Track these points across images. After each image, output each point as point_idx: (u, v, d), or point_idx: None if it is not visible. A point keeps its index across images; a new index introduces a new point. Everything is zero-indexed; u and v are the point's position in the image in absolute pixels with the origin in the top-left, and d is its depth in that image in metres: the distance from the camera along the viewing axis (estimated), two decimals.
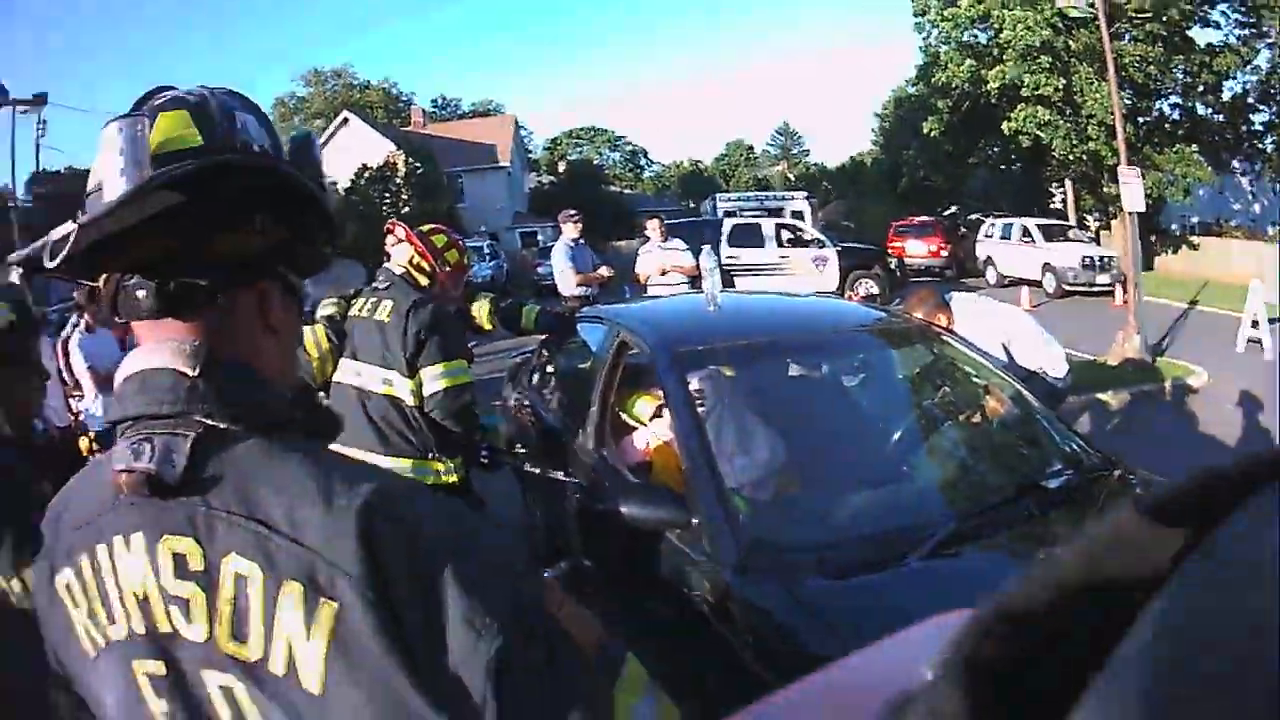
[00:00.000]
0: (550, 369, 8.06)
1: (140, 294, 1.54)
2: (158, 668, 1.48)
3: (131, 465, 1.46)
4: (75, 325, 10.13)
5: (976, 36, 45.60)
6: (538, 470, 6.49)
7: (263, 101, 1.69)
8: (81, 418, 9.97)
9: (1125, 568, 0.44)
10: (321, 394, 6.05)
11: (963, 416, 6.14)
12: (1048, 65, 40.76)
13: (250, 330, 1.64)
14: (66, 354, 9.77)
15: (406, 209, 49.57)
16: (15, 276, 4.33)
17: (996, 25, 42.15)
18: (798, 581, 4.03)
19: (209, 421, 1.49)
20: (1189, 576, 0.39)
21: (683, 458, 4.94)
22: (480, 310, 7.49)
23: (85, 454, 9.63)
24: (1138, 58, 39.68)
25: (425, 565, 1.39)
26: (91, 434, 10.08)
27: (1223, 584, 0.37)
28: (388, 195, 52.80)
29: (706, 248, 7.17)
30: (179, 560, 1.44)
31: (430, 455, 5.92)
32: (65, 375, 9.65)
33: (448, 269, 6.27)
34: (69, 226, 1.46)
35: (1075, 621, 0.44)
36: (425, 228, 6.48)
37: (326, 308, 6.22)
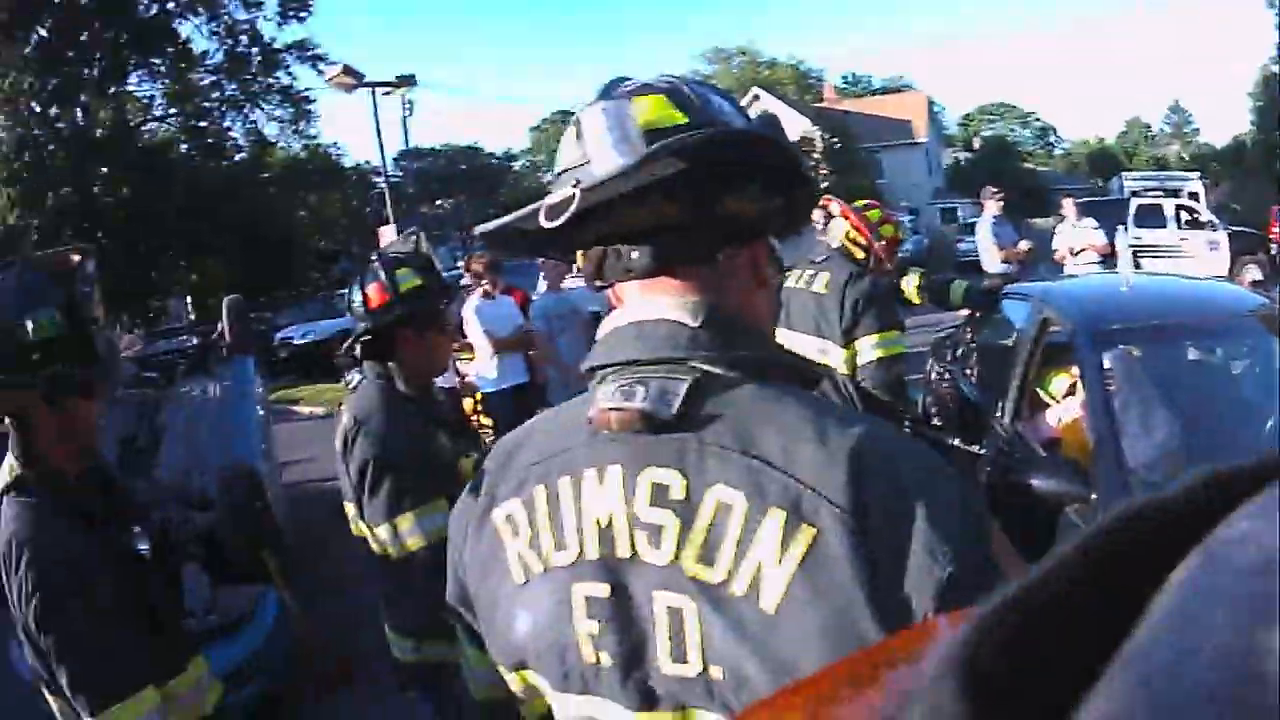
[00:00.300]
0: (974, 344, 8.16)
1: (634, 255, 1.67)
2: (601, 590, 1.59)
3: (623, 405, 1.59)
4: (469, 292, 10.81)
5: None
6: (953, 442, 6.62)
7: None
8: (470, 379, 10.83)
9: (1128, 566, 0.44)
10: None
11: None
12: None
13: (744, 287, 1.75)
14: (459, 319, 10.32)
15: (826, 184, 49.66)
16: (423, 244, 4.74)
17: None
18: None
19: (707, 367, 1.60)
20: (1191, 576, 0.40)
21: (1091, 435, 5.11)
22: (909, 284, 7.71)
23: (469, 414, 10.27)
24: None
25: (902, 499, 1.48)
26: (478, 395, 10.80)
27: (1223, 584, 0.38)
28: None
29: (1121, 228, 7.19)
30: (658, 490, 1.55)
31: None
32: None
33: (882, 243, 6.50)
34: (567, 191, 1.57)
35: (1078, 621, 0.44)
36: (860, 203, 6.72)
37: None
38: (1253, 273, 29.56)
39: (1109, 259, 13.05)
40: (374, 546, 3.98)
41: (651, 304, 1.69)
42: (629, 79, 1.77)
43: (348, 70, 28.91)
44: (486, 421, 10.47)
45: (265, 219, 40.79)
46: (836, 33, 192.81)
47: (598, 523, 1.60)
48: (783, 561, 1.45)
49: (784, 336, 6.03)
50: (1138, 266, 24.54)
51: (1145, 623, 0.38)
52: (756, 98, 64.10)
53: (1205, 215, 32.18)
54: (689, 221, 1.65)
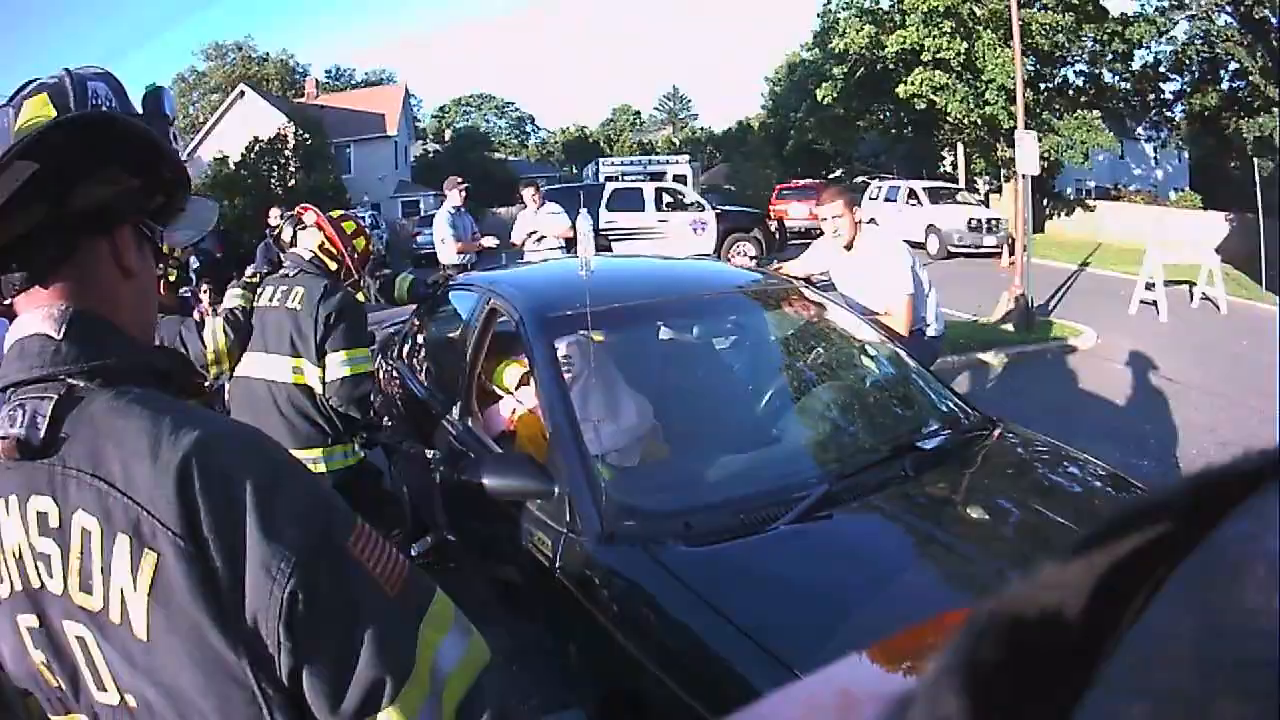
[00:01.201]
0: (421, 339, 7.98)
1: (14, 267, 1.64)
2: (33, 621, 1.56)
3: (7, 431, 1.53)
4: None
5: (879, 2, 46.08)
6: (401, 444, 6.54)
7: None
8: None
9: (1125, 567, 0.43)
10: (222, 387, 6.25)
11: (838, 378, 6.05)
12: (950, 29, 41.19)
13: (108, 279, 1.71)
14: None
15: (293, 182, 49.59)
16: None
17: None
18: (661, 549, 3.93)
19: (72, 381, 1.58)
20: (1189, 578, 0.39)
21: (547, 426, 4.86)
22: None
23: None
24: (1046, 25, 40.26)
25: (233, 513, 1.44)
26: None
27: (1223, 586, 0.37)
28: (275, 168, 52.65)
29: (583, 212, 7.09)
30: (41, 518, 1.52)
31: (339, 440, 6.04)
32: None
33: (355, 255, 6.35)
34: None
35: (1076, 622, 0.43)
36: (335, 213, 6.56)
37: (232, 299, 6.20)
38: (743, 250, 31.33)
39: (574, 244, 13.24)
40: None
41: (32, 317, 1.66)
42: (38, 79, 1.78)
43: None
44: None
45: None
46: (329, 25, 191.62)
47: (14, 554, 1.57)
48: (137, 588, 1.44)
49: (258, 360, 6.03)
50: (608, 249, 25.52)
51: (1145, 624, 0.40)
52: (242, 94, 65.37)
53: (691, 197, 34.13)
54: (45, 221, 1.61)
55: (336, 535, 1.56)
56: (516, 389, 6.26)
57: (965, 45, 41.23)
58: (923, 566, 4.09)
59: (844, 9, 47.91)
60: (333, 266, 6.22)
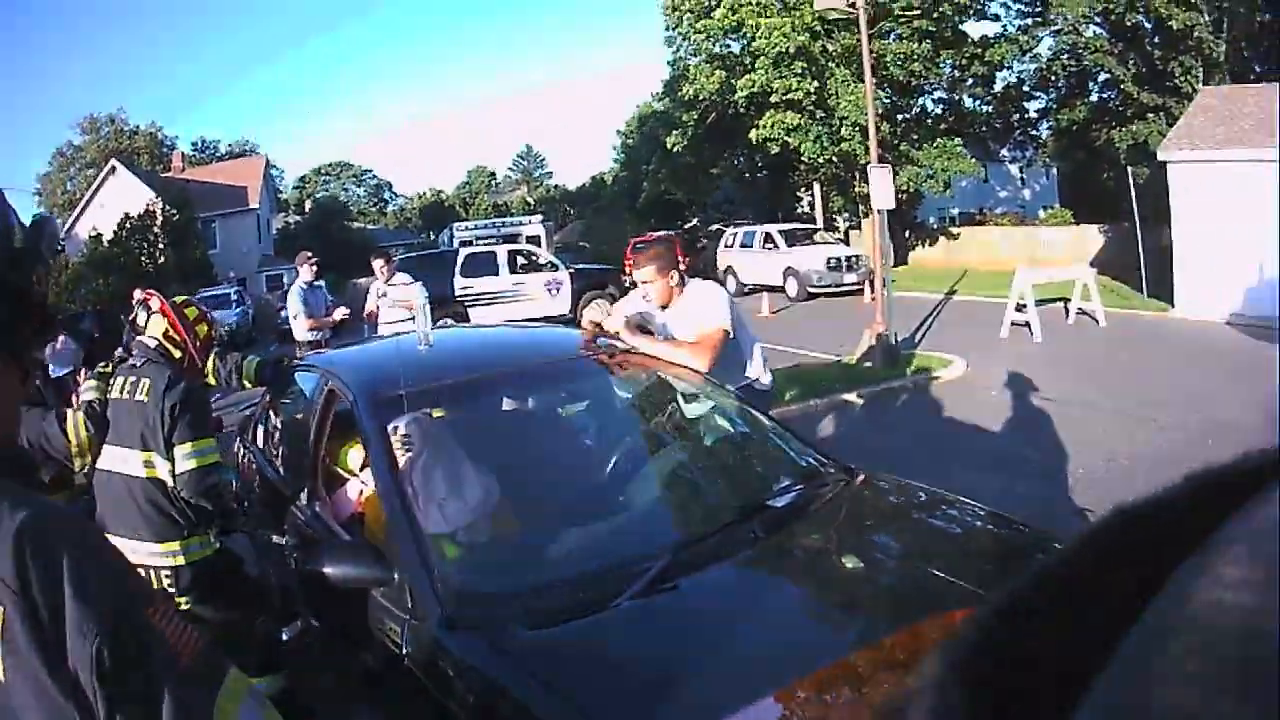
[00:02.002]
0: (274, 421, 7.81)
1: None
2: None
3: None
4: None
5: (729, 46, 46.29)
6: (257, 530, 6.49)
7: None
8: None
9: (1125, 566, 0.45)
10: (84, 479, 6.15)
11: (686, 440, 5.99)
12: (801, 70, 41.40)
13: None
14: None
15: (163, 259, 49.26)
16: None
17: (749, 34, 42.71)
18: (505, 634, 3.86)
19: None
20: (1189, 578, 0.40)
21: (384, 511, 4.76)
22: (208, 366, 7.29)
23: None
24: (900, 55, 40.85)
25: (56, 579, 1.69)
26: None
27: (1223, 587, 0.38)
28: (145, 245, 52.28)
29: (418, 284, 6.98)
30: None
31: (195, 531, 5.93)
32: None
33: (198, 342, 6.31)
34: None
35: (1075, 622, 0.44)
36: (179, 299, 6.55)
37: (88, 392, 6.14)
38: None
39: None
40: None
41: None
42: None
43: None
44: None
45: None
46: (197, 97, 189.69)
47: None
48: None
49: (115, 454, 5.93)
50: (465, 316, 25.26)
51: (1145, 624, 0.41)
52: (114, 170, 64.41)
53: (545, 257, 33.64)
54: None
55: (136, 606, 1.81)
56: (361, 470, 6.11)
57: (817, 84, 41.49)
58: (772, 628, 3.97)
59: (694, 55, 48.20)
60: (177, 354, 6.16)
